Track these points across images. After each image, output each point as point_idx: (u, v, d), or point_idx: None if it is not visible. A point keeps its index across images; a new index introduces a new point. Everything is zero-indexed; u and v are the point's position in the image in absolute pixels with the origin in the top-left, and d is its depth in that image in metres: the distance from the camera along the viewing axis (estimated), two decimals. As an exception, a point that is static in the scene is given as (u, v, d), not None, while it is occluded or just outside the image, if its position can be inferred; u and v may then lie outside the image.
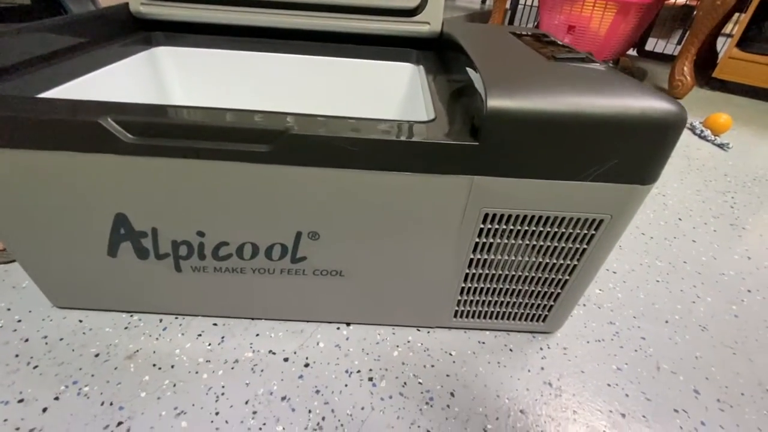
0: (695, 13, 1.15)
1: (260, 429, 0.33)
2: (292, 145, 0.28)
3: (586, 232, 0.33)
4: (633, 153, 0.28)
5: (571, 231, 0.33)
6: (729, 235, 0.62)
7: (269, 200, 0.31)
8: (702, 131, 0.96)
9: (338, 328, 0.42)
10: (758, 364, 0.42)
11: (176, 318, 0.42)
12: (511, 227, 0.33)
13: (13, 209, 0.33)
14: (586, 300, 0.48)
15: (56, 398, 0.34)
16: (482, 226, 0.33)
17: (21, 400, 0.34)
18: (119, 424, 0.32)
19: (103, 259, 0.36)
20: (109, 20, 0.48)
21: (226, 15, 0.49)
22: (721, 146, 0.92)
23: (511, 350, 0.41)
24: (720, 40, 1.49)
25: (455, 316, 0.41)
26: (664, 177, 0.78)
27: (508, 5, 1.83)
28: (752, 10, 1.17)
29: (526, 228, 0.33)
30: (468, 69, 0.36)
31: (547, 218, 0.32)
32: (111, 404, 0.34)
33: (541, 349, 0.42)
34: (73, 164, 0.29)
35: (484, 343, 0.41)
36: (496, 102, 0.27)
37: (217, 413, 0.34)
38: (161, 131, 0.28)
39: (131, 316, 0.42)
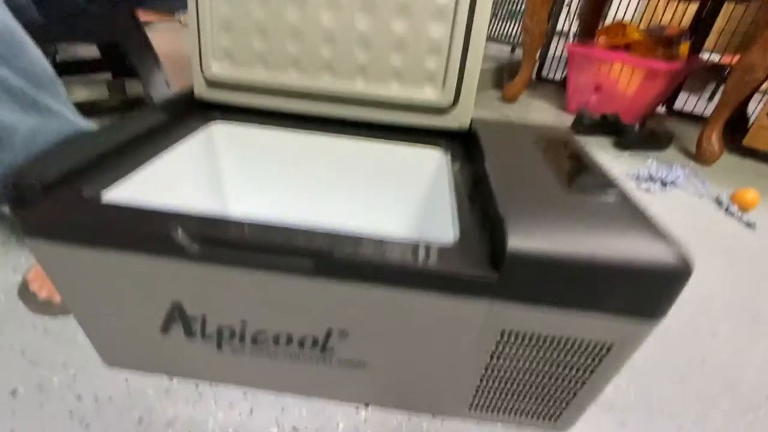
0: (725, 84, 1.16)
1: None
2: (330, 264, 0.32)
3: (597, 352, 0.35)
4: (640, 294, 0.31)
5: (582, 350, 0.35)
6: (751, 331, 0.62)
7: (308, 303, 0.35)
8: (729, 206, 0.96)
9: (357, 409, 0.44)
10: (773, 485, 0.42)
11: (210, 386, 0.45)
12: (527, 342, 0.35)
13: (80, 286, 0.38)
14: (599, 398, 0.49)
15: (103, 461, 0.38)
16: (499, 339, 0.35)
17: (73, 461, 0.38)
18: (156, 494, 0.36)
19: (155, 333, 0.41)
20: (175, 106, 0.54)
21: (280, 103, 0.55)
22: (748, 224, 0.91)
23: (521, 447, 0.43)
24: (756, 98, 1.49)
25: (470, 408, 0.43)
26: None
27: (537, 55, 1.89)
28: (784, 84, 1.17)
29: (541, 344, 0.35)
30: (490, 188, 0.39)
31: (561, 338, 0.35)
32: (150, 472, 0.37)
33: (551, 448, 0.43)
34: (139, 262, 0.34)
35: (495, 436, 0.43)
36: (516, 243, 0.30)
37: (243, 491, 0.37)
38: (222, 243, 0.32)
39: (171, 380, 0.46)
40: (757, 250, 0.83)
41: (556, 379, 0.38)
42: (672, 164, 1.16)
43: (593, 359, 0.36)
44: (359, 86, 0.53)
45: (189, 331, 0.40)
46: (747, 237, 0.87)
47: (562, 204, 0.35)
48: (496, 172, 0.40)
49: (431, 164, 0.57)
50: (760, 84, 1.14)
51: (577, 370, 0.37)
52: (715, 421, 0.47)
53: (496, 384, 0.40)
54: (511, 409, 0.42)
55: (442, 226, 0.44)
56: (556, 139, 0.50)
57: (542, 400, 0.41)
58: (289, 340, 0.39)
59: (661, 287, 0.31)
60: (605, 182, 0.39)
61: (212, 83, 0.55)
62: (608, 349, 0.35)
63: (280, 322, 0.37)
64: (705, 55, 1.84)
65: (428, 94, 0.53)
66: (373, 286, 0.33)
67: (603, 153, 1.25)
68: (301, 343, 0.39)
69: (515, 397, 0.41)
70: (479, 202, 0.40)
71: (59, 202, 0.35)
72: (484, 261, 0.32)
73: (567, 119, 1.50)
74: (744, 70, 1.09)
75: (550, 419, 0.43)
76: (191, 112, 0.56)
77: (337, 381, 0.42)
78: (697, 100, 1.79)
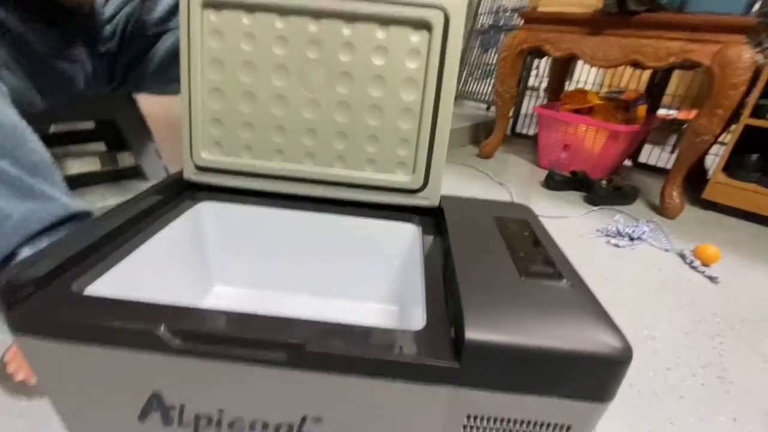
0: (680, 145, 1.27)
1: None
2: (303, 357, 0.34)
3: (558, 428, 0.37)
4: (587, 379, 0.34)
5: (544, 430, 0.37)
6: (716, 391, 0.64)
7: (283, 392, 0.37)
8: (692, 261, 1.02)
9: (334, 493, 0.44)
10: None
11: (186, 472, 0.45)
12: (492, 425, 0.37)
13: (60, 377, 0.39)
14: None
15: None
16: (465, 422, 0.37)
17: None
18: None
19: (133, 422, 0.41)
20: (166, 189, 0.58)
21: (265, 185, 0.60)
22: (710, 278, 0.97)
23: None
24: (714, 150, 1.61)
25: (444, 489, 0.43)
26: (655, 315, 0.82)
27: (510, 114, 2.03)
28: (732, 144, 1.29)
29: (505, 426, 0.37)
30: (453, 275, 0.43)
31: (522, 421, 0.37)
32: None
33: None
34: (121, 356, 0.36)
35: None
36: (473, 335, 0.33)
37: None
38: (204, 339, 0.35)
39: (146, 468, 0.45)
40: (719, 305, 0.87)
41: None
42: (638, 219, 1.24)
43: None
44: (337, 171, 0.58)
45: (167, 420, 0.40)
46: (710, 292, 0.92)
47: (518, 292, 0.38)
48: (459, 257, 0.44)
49: (406, 237, 0.61)
50: (710, 145, 1.25)
51: (541, 447, 0.39)
52: (685, 491, 0.49)
53: (468, 464, 0.41)
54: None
55: (413, 297, 0.47)
56: (515, 217, 0.55)
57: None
58: (265, 426, 0.40)
59: (605, 372, 0.34)
60: (558, 269, 0.43)
61: (201, 168, 0.59)
62: (567, 429, 0.37)
63: (256, 410, 0.39)
64: (664, 110, 2.01)
65: (400, 177, 0.58)
66: (343, 375, 0.35)
67: (574, 208, 1.32)
68: (277, 430, 0.40)
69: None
70: (445, 282, 0.43)
71: (43, 298, 0.37)
72: (448, 350, 0.35)
73: (540, 173, 1.59)
74: (694, 133, 1.20)
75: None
76: (181, 194, 0.60)
77: (313, 465, 0.43)
78: (660, 152, 1.92)
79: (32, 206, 0.52)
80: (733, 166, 1.33)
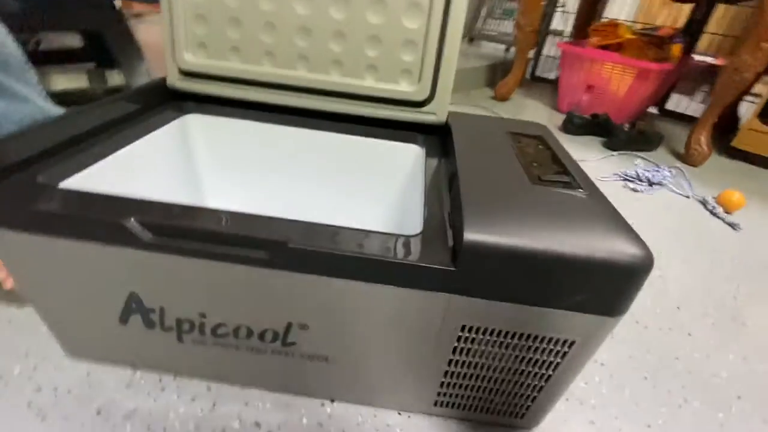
0: (715, 85, 1.16)
1: (236, 508, 0.35)
2: (286, 256, 0.31)
3: (559, 349, 0.35)
4: (600, 290, 0.30)
5: (545, 346, 0.35)
6: (728, 330, 0.61)
7: (266, 296, 0.34)
8: (714, 207, 0.96)
9: (323, 405, 0.44)
10: (739, 485, 0.41)
11: (174, 379, 0.45)
12: (488, 338, 0.35)
13: (36, 275, 0.37)
14: (570, 394, 0.48)
15: (57, 454, 0.37)
16: (460, 334, 0.35)
17: (26, 453, 0.37)
18: (109, 488, 0.35)
19: (114, 324, 0.40)
20: (147, 95, 0.53)
21: (255, 94, 0.54)
22: (731, 225, 0.91)
23: (487, 444, 0.42)
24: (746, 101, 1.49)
25: (435, 405, 0.42)
26: (669, 257, 0.78)
27: (530, 54, 1.89)
28: (773, 86, 1.17)
29: (502, 339, 0.35)
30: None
31: (521, 334, 0.34)
32: (105, 465, 0.37)
33: (518, 445, 0.42)
34: (93, 251, 0.33)
35: (461, 433, 0.43)
36: (472, 236, 0.29)
37: (198, 486, 0.36)
38: (177, 233, 0.32)
39: (134, 372, 0.45)
40: (738, 251, 0.82)
41: (520, 375, 0.38)
42: (660, 165, 1.16)
43: (556, 355, 0.35)
44: (334, 78, 0.52)
45: (148, 323, 0.39)
46: (731, 238, 0.87)
47: (526, 197, 0.34)
48: (465, 166, 0.39)
49: (408, 159, 0.56)
50: (749, 85, 1.14)
51: (541, 366, 0.36)
52: (685, 419, 0.47)
53: (460, 380, 0.39)
54: (477, 406, 0.42)
55: (414, 220, 0.43)
56: (530, 133, 0.50)
57: (507, 396, 0.40)
58: (250, 333, 0.38)
59: (620, 282, 0.30)
60: (573, 176, 0.38)
61: (186, 73, 0.54)
62: (570, 345, 0.34)
63: (239, 315, 0.37)
64: (698, 57, 1.84)
65: (404, 87, 0.52)
66: (330, 278, 0.32)
67: (592, 153, 1.25)
68: (262, 337, 0.38)
69: (480, 393, 0.40)
70: (448, 198, 0.39)
71: (15, 188, 0.34)
72: (444, 254, 0.31)
73: (558, 118, 1.49)
74: (733, 70, 1.08)
75: (516, 416, 0.42)
76: (164, 102, 0.55)
77: (300, 375, 0.42)
78: (690, 102, 1.79)
79: (4, 105, 0.48)
80: (771, 111, 1.22)
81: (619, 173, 1.10)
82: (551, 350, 0.35)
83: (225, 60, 0.53)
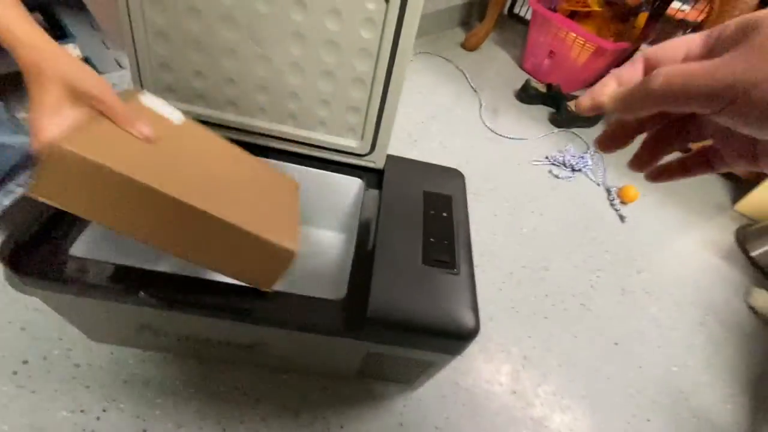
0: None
1: (225, 440, 0.58)
2: (246, 318, 0.48)
3: (421, 364, 0.56)
4: (442, 343, 0.50)
5: (415, 362, 0.56)
6: (573, 315, 0.87)
7: (236, 331, 0.52)
8: (614, 199, 1.17)
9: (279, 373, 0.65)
10: (532, 420, 0.69)
11: (173, 356, 0.64)
12: (383, 359, 0.55)
13: (70, 313, 0.52)
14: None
15: (104, 410, 0.57)
16: (365, 355, 0.55)
17: (82, 410, 0.57)
18: (144, 430, 0.57)
19: (130, 334, 0.57)
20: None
21: (220, 133, 0.63)
22: (621, 217, 1.13)
23: (386, 398, 0.67)
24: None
25: (356, 375, 0.65)
26: (558, 249, 1.00)
27: (508, -5, 1.81)
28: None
29: (392, 358, 0.55)
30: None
31: (401, 357, 0.55)
32: (137, 417, 0.58)
33: (405, 399, 0.67)
34: (114, 305, 0.48)
35: (371, 391, 0.67)
36: (373, 314, 0.47)
37: (200, 429, 0.58)
38: (172, 302, 0.47)
39: (144, 352, 0.63)
40: (614, 244, 1.06)
41: (406, 368, 0.60)
42: (588, 149, 1.32)
43: (420, 365, 0.57)
44: (290, 129, 0.62)
45: (156, 335, 0.56)
46: (614, 229, 1.10)
47: (414, 278, 0.51)
48: (382, 237, 0.54)
49: (353, 189, 0.69)
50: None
51: (416, 368, 0.58)
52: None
53: (369, 368, 0.61)
54: (377, 377, 0.65)
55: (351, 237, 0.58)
56: (443, 192, 0.63)
57: (400, 377, 0.63)
58: (228, 343, 0.56)
59: (455, 341, 0.50)
60: (455, 258, 0.54)
61: (156, 112, 0.61)
62: (429, 364, 0.56)
63: (221, 336, 0.54)
64: (677, 4, 1.82)
65: (349, 142, 0.63)
66: (280, 329, 0.49)
67: (536, 128, 1.37)
68: (237, 346, 0.57)
69: (383, 374, 0.63)
70: (367, 254, 0.55)
71: (37, 260, 0.47)
72: (357, 317, 0.49)
73: (518, 79, 1.55)
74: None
75: (407, 384, 0.66)
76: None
77: (262, 359, 0.62)
78: None
79: None
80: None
81: (549, 157, 1.25)
82: (416, 363, 0.56)
83: (192, 104, 0.60)
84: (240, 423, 0.60)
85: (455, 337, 0.49)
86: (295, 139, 0.63)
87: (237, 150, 0.53)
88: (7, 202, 0.61)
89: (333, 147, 0.63)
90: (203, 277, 0.48)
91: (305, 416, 0.63)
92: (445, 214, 0.60)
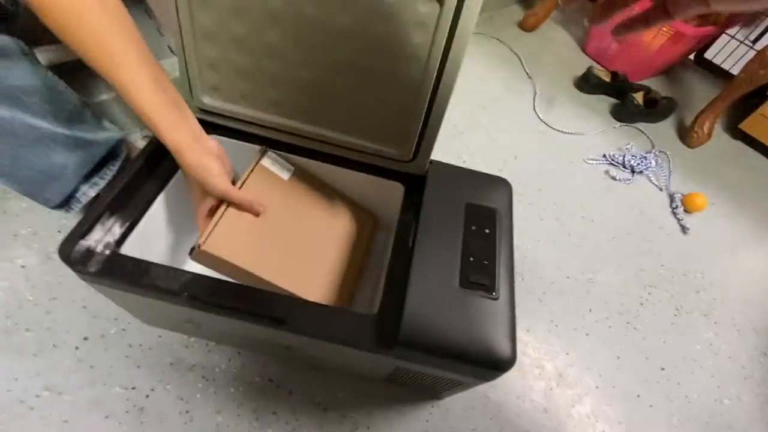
0: (738, 73, 1.10)
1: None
2: (281, 326, 0.49)
3: (451, 383, 0.55)
4: (475, 371, 0.49)
5: (442, 382, 0.55)
6: (617, 334, 0.82)
7: (272, 337, 0.53)
8: (677, 206, 1.06)
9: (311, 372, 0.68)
10: None
11: (216, 345, 0.68)
12: (413, 372, 0.55)
13: (126, 303, 0.56)
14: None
15: (152, 389, 0.62)
16: (392, 370, 0.55)
17: (134, 388, 0.62)
18: (187, 412, 0.61)
19: (179, 323, 0.60)
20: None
21: (267, 133, 0.63)
22: (683, 227, 1.03)
23: (413, 404, 0.67)
24: None
25: (384, 381, 0.66)
26: (607, 260, 0.93)
27: (579, -36, 1.65)
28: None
29: (422, 374, 0.55)
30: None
31: (431, 375, 0.54)
32: (181, 399, 0.62)
33: (432, 406, 0.68)
34: (162, 303, 0.51)
35: (398, 396, 0.67)
36: (405, 337, 0.46)
37: (238, 416, 0.62)
38: (213, 305, 0.49)
39: (189, 338, 0.67)
40: (671, 258, 0.97)
41: (434, 384, 0.59)
42: (652, 148, 1.20)
43: (450, 383, 0.56)
44: (332, 133, 0.60)
45: (199, 328, 0.59)
46: (673, 241, 1.01)
47: (450, 301, 0.49)
48: (419, 254, 0.53)
49: (393, 194, 0.67)
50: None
51: (445, 385, 0.58)
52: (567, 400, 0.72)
53: (398, 378, 0.61)
54: (408, 384, 0.65)
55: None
56: (487, 204, 0.60)
57: (428, 389, 0.63)
58: (264, 343, 0.59)
59: (488, 371, 0.48)
60: (495, 281, 0.52)
61: (203, 111, 0.61)
62: (459, 384, 0.55)
63: (258, 336, 0.56)
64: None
65: (392, 149, 0.60)
66: (312, 338, 0.50)
67: (595, 122, 1.26)
68: (272, 345, 0.59)
69: (409, 382, 0.63)
70: (401, 272, 0.54)
71: (93, 256, 0.50)
72: (388, 336, 0.49)
73: (580, 65, 1.42)
74: (762, 63, 1.03)
75: (433, 396, 0.66)
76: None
77: (296, 355, 0.64)
78: (738, 45, 1.60)
79: (81, 154, 0.61)
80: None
81: (608, 155, 1.15)
82: (446, 382, 0.55)
83: (236, 104, 0.60)
84: (272, 413, 0.63)
85: (489, 367, 0.47)
86: (337, 143, 0.61)
87: (329, 192, 0.70)
88: (93, 193, 0.65)
89: (375, 152, 0.61)
90: (237, 278, 0.49)
91: (333, 414, 0.65)
92: (487, 231, 0.57)
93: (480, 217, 0.59)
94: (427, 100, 0.54)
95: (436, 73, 0.51)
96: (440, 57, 0.50)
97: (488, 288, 0.51)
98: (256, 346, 0.63)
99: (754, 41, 1.69)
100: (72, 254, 0.48)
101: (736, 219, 1.10)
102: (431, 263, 0.52)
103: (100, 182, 0.67)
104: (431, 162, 0.63)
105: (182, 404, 0.62)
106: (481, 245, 0.56)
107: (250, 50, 0.54)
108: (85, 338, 0.65)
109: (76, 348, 0.64)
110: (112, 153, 0.68)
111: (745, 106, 1.28)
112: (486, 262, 0.54)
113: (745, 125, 1.28)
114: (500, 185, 0.64)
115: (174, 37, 0.55)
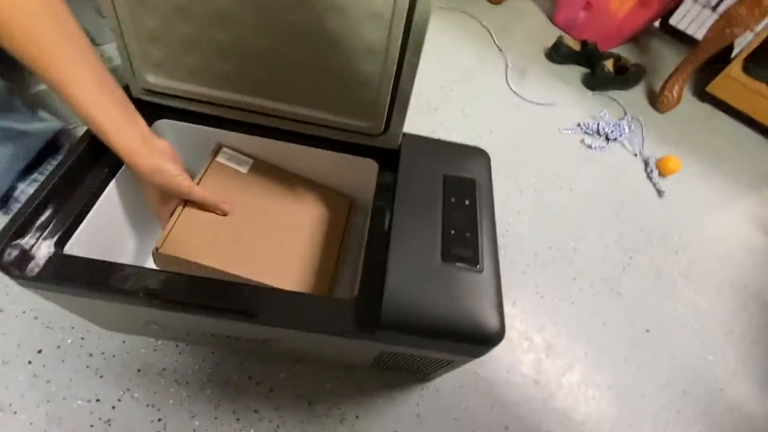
0: (705, 34, 1.11)
1: (240, 431, 0.57)
2: (253, 319, 0.45)
3: (438, 362, 0.52)
4: (467, 347, 0.46)
5: (428, 361, 0.52)
6: (602, 300, 0.82)
7: (244, 330, 0.49)
8: (651, 171, 1.07)
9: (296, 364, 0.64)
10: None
11: (186, 345, 0.63)
12: (398, 354, 0.52)
13: (77, 308, 0.50)
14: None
15: (119, 400, 0.57)
16: (377, 354, 0.52)
17: (98, 400, 0.57)
18: (159, 420, 0.56)
19: (139, 326, 0.55)
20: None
21: (219, 112, 0.57)
22: (659, 191, 1.04)
23: (402, 388, 0.65)
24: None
25: (371, 366, 0.63)
26: (588, 228, 0.93)
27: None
28: (764, 38, 1.13)
29: (407, 355, 0.52)
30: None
31: (416, 356, 0.51)
32: (152, 406, 0.57)
33: (422, 389, 0.65)
34: (116, 305, 0.46)
35: (386, 381, 0.65)
36: (386, 318, 0.43)
37: (215, 418, 0.58)
38: (173, 303, 0.44)
39: (156, 341, 0.62)
40: (650, 221, 0.98)
41: (422, 365, 0.57)
42: (625, 115, 1.20)
43: (437, 363, 0.53)
44: (293, 108, 0.56)
45: (163, 330, 0.54)
46: (650, 205, 1.01)
47: (433, 277, 0.46)
48: (397, 229, 0.49)
49: (369, 172, 0.63)
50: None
51: (433, 365, 0.55)
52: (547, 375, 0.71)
53: (384, 362, 0.58)
54: (396, 368, 0.63)
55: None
56: (465, 175, 0.57)
57: (416, 371, 0.61)
58: (238, 339, 0.54)
59: (477, 346, 0.46)
60: (478, 253, 0.49)
61: (149, 91, 0.55)
62: (448, 363, 0.52)
63: (230, 332, 0.52)
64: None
65: (360, 122, 0.56)
66: (287, 329, 0.46)
67: (567, 92, 1.25)
68: (247, 340, 0.55)
69: (399, 367, 0.60)
70: (380, 251, 0.50)
71: (31, 258, 0.44)
72: (369, 319, 0.45)
73: (549, 36, 1.40)
74: (726, 22, 1.03)
75: (423, 376, 0.64)
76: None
77: (274, 351, 0.60)
78: (701, 9, 1.62)
79: (12, 147, 0.54)
80: (755, 63, 1.19)
81: (582, 124, 1.15)
82: (434, 362, 0.53)
83: (184, 82, 0.54)
84: (254, 412, 0.59)
85: (478, 342, 0.45)
86: (301, 119, 0.57)
87: (293, 181, 0.66)
88: (32, 191, 0.58)
89: (343, 127, 0.57)
90: (204, 276, 0.45)
91: (320, 406, 0.61)
92: (467, 202, 0.54)
93: (459, 189, 0.56)
94: (395, 64, 0.50)
95: (402, 34, 0.47)
96: (405, 16, 0.46)
97: (471, 260, 0.49)
98: (230, 344, 0.59)
99: (715, 6, 1.71)
100: (5, 257, 0.42)
101: (709, 179, 1.11)
102: (410, 240, 0.49)
103: (40, 178, 0.60)
104: (404, 135, 0.60)
105: (153, 412, 0.57)
106: (462, 217, 0.53)
107: (196, 18, 0.48)
108: (39, 351, 0.59)
109: (29, 362, 0.58)
110: (52, 146, 0.62)
111: (711, 69, 1.30)
112: (468, 234, 0.51)
113: (712, 87, 1.29)
114: (477, 155, 0.61)
115: (106, 6, 0.48)
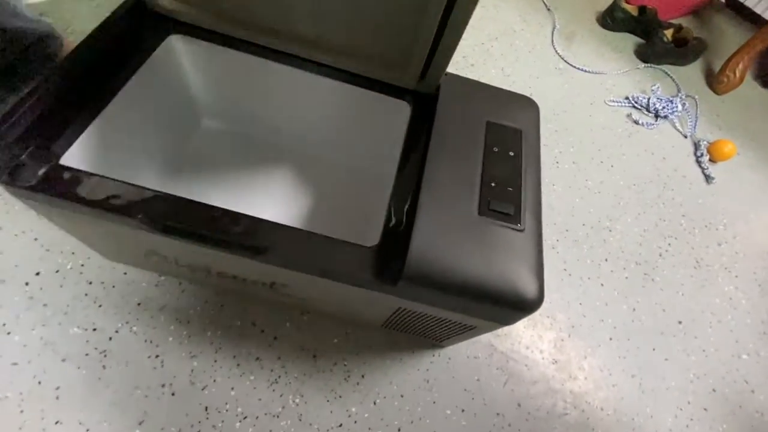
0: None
1: (240, 376, 0.54)
2: (265, 258, 0.40)
3: (460, 326, 0.48)
4: (498, 312, 0.41)
5: (450, 324, 0.48)
6: (634, 285, 0.76)
7: (253, 270, 0.45)
8: (702, 155, 0.97)
9: (301, 314, 0.60)
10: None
11: (190, 284, 0.59)
12: (417, 317, 0.47)
13: (77, 230, 0.46)
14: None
15: (116, 331, 0.54)
16: (395, 310, 0.47)
17: (95, 329, 0.54)
18: (157, 356, 0.54)
19: (140, 256, 0.51)
20: (126, 21, 0.50)
21: (242, 33, 0.51)
22: (707, 177, 0.95)
23: (412, 352, 0.61)
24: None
25: (382, 326, 0.59)
26: (626, 208, 0.85)
27: None
28: None
29: (427, 319, 0.47)
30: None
31: (438, 318, 0.46)
32: (151, 342, 0.54)
33: (433, 355, 0.61)
34: (114, 225, 0.41)
35: (396, 343, 0.61)
36: (412, 271, 0.38)
37: (215, 361, 0.55)
38: (176, 229, 0.39)
39: (160, 277, 0.59)
40: (693, 208, 0.90)
41: (440, 328, 0.52)
42: (679, 92, 1.09)
43: (459, 327, 0.49)
44: (326, 56, 0.49)
45: (165, 262, 0.50)
46: (696, 191, 0.93)
47: (467, 232, 0.41)
48: (428, 179, 0.43)
49: (398, 114, 0.57)
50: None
51: (452, 329, 0.51)
52: (570, 356, 0.66)
53: (399, 322, 0.54)
54: (405, 330, 0.58)
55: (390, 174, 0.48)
56: (511, 124, 0.50)
57: (431, 334, 0.56)
58: (244, 280, 0.50)
59: (509, 312, 0.40)
60: (520, 210, 0.43)
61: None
62: (471, 328, 0.47)
63: (235, 270, 0.48)
64: None
65: (392, 73, 0.49)
66: (301, 273, 0.42)
67: (617, 61, 1.14)
68: (254, 282, 0.50)
69: (413, 329, 0.56)
70: (409, 198, 0.45)
71: (25, 167, 0.39)
72: (392, 269, 0.40)
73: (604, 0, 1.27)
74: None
75: (437, 341, 0.60)
76: (144, 23, 0.52)
77: (282, 297, 0.56)
78: None
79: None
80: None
81: (631, 97, 1.05)
82: (454, 325, 0.48)
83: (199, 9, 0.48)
84: (255, 360, 0.56)
85: (512, 307, 0.39)
86: (325, 46, 0.50)
87: None
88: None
89: (378, 77, 0.50)
90: (214, 204, 0.40)
91: (324, 361, 0.58)
92: (512, 153, 0.48)
93: (503, 138, 0.49)
94: (441, 11, 0.42)
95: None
96: None
97: (512, 218, 0.43)
98: (236, 286, 0.55)
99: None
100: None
101: (762, 170, 1.02)
102: (445, 188, 0.43)
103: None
104: (445, 74, 0.52)
105: (151, 348, 0.54)
106: (505, 169, 0.46)
107: None
108: (37, 273, 0.56)
109: (26, 284, 0.55)
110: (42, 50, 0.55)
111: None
112: (510, 189, 0.45)
113: (780, 71, 1.16)
114: (526, 104, 0.54)
115: None
